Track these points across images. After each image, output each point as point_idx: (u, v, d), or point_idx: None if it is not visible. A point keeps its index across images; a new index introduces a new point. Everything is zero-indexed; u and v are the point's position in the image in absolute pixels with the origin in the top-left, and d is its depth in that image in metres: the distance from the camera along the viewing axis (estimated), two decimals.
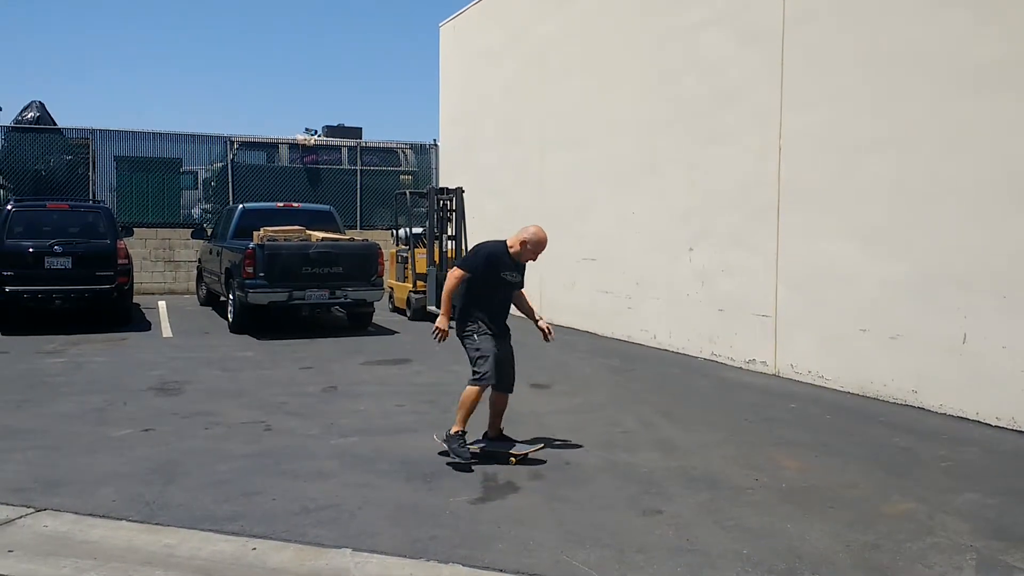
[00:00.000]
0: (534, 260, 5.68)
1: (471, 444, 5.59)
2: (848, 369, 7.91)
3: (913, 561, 3.98)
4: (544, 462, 5.55)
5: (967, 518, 4.55)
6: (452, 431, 5.50)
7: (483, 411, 5.73)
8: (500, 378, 5.62)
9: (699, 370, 9.17)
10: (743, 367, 9.17)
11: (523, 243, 5.57)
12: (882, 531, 4.35)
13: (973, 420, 6.74)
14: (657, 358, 9.95)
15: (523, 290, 5.87)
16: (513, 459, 5.54)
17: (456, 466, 5.42)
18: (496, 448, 5.70)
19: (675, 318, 10.32)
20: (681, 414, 7.05)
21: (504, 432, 5.85)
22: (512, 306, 5.84)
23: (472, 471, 5.36)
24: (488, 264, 5.57)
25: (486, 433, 5.84)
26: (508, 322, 5.78)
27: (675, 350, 10.29)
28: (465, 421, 5.51)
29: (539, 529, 4.34)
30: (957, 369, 6.89)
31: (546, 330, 5.84)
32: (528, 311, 5.91)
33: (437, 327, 5.51)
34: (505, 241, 5.66)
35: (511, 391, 5.83)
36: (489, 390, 5.64)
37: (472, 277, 5.58)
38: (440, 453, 5.60)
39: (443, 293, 5.59)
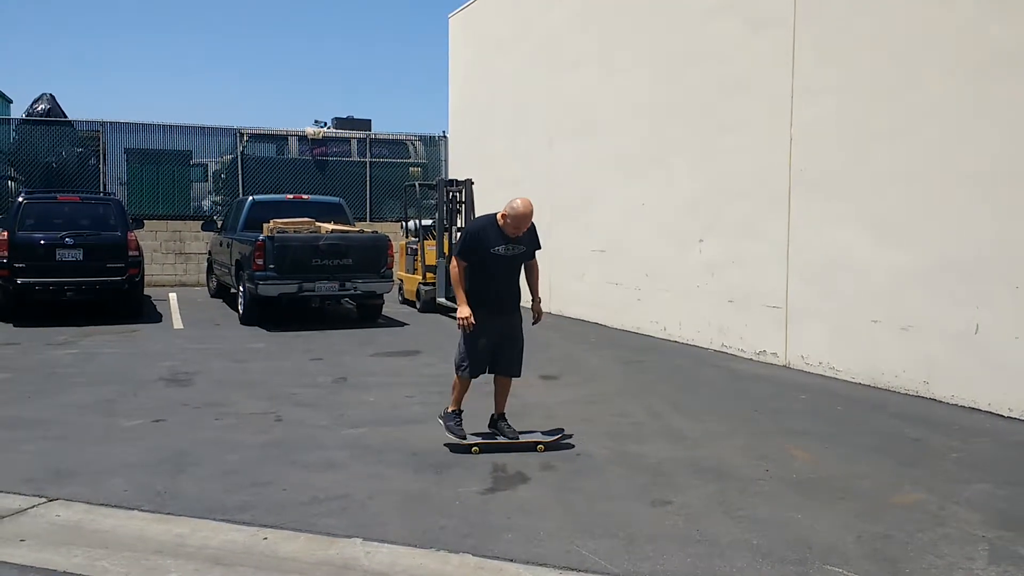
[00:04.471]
0: (518, 233, 5.48)
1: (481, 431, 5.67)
2: (859, 360, 7.87)
3: (924, 552, 3.96)
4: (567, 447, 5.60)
5: (978, 509, 4.53)
6: (448, 410, 5.69)
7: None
8: (494, 364, 5.65)
9: (709, 361, 9.15)
10: (753, 358, 9.14)
11: (504, 216, 5.46)
12: (893, 522, 4.33)
13: (985, 411, 6.70)
14: (667, 349, 9.93)
15: (535, 264, 5.81)
16: (541, 447, 5.58)
17: (452, 447, 5.53)
18: (496, 434, 5.74)
19: (685, 309, 10.29)
20: (691, 405, 7.04)
21: (505, 416, 5.80)
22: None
23: (475, 453, 5.49)
24: (469, 246, 5.53)
25: (492, 415, 5.86)
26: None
27: (685, 341, 10.27)
28: (457, 403, 5.68)
29: (548, 519, 4.34)
30: (969, 360, 6.85)
31: (536, 313, 5.77)
32: (532, 287, 5.81)
33: (459, 316, 5.50)
34: (496, 214, 5.55)
35: (514, 375, 5.75)
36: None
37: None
38: (446, 444, 5.61)
39: (453, 284, 5.60)
